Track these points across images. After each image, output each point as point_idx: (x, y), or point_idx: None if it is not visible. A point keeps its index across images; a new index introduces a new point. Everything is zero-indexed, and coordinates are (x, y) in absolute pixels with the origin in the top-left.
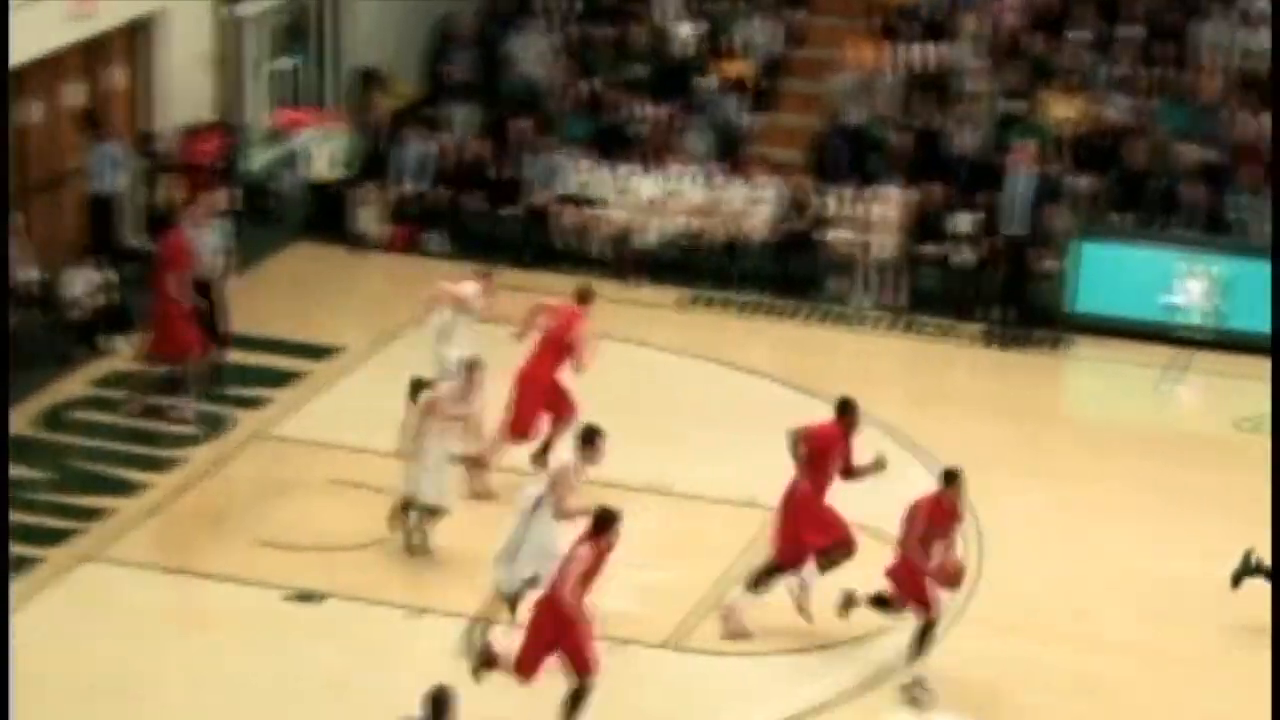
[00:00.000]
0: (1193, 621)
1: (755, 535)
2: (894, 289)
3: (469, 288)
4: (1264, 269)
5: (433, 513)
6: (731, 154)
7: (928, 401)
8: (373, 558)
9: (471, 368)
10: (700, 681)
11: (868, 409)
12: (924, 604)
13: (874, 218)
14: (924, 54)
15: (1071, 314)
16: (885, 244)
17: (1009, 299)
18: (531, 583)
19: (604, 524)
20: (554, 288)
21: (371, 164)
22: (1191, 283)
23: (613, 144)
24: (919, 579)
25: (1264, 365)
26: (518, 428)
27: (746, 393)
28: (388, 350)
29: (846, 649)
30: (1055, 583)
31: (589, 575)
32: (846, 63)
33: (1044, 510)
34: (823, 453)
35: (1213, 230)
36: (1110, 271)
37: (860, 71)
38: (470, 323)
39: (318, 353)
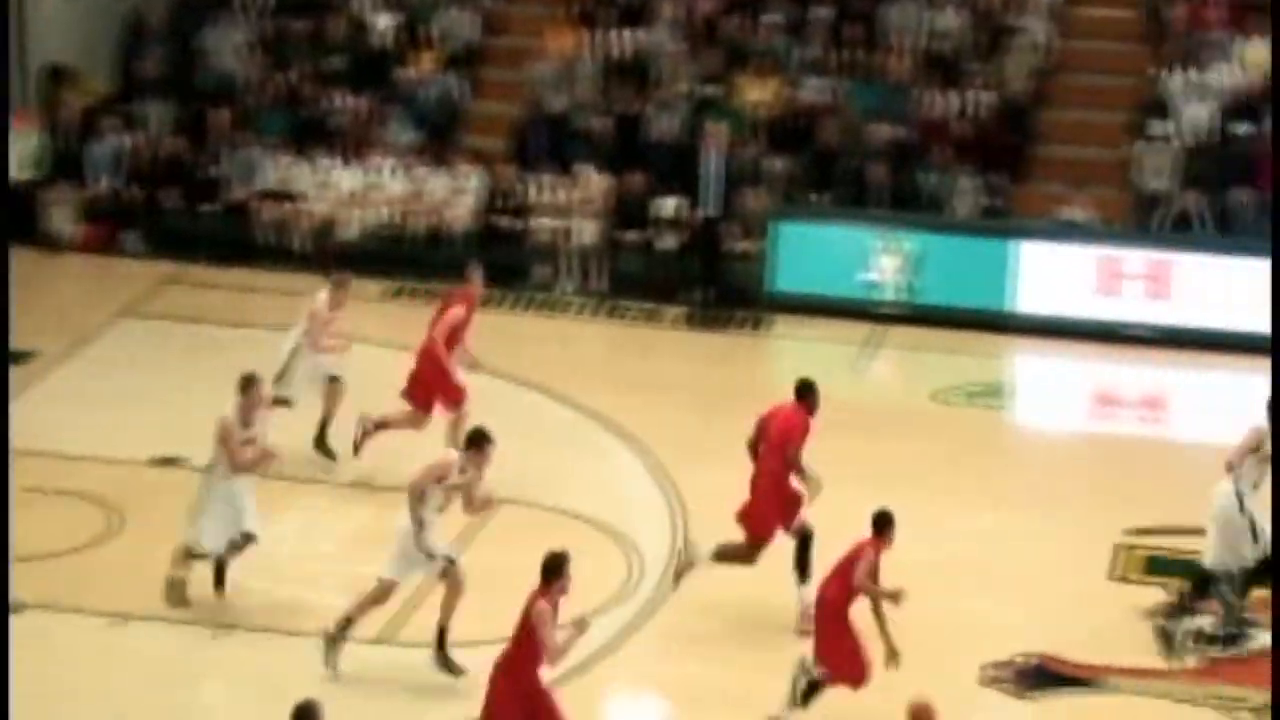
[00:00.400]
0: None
1: (461, 526)
2: (597, 275)
3: (320, 298)
4: (954, 244)
5: (194, 556)
6: (442, 139)
7: (632, 386)
8: (74, 565)
9: (249, 383)
10: (416, 675)
11: (572, 396)
12: (858, 671)
13: (576, 204)
14: (622, 40)
15: (771, 294)
16: (587, 230)
17: (709, 281)
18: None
19: (554, 570)
20: (255, 284)
21: (62, 163)
22: (885, 259)
23: (312, 137)
24: (849, 639)
25: (956, 338)
26: (453, 398)
27: None
28: (83, 353)
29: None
30: (760, 560)
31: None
32: (545, 51)
33: (747, 488)
34: (790, 438)
35: (903, 207)
36: (807, 250)
37: (559, 59)
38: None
39: (10, 358)
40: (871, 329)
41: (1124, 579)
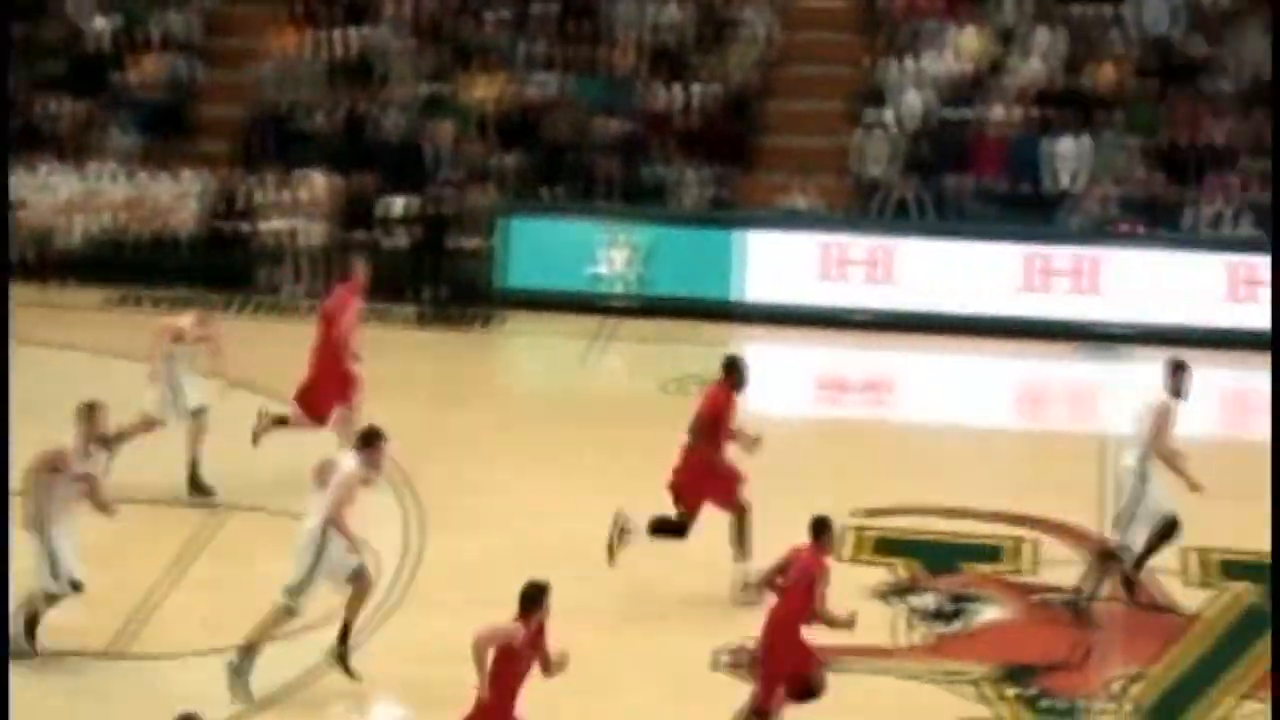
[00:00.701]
0: (629, 578)
1: (190, 535)
2: (325, 276)
3: (185, 319)
4: (681, 235)
5: (52, 598)
6: (165, 142)
7: (364, 385)
8: None
9: (92, 410)
10: (147, 687)
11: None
12: (770, 689)
13: (302, 206)
14: (346, 38)
15: (501, 290)
16: (314, 232)
17: (439, 279)
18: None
19: (532, 600)
20: None
21: None
22: (614, 252)
23: (29, 143)
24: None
25: (686, 328)
26: (315, 411)
27: None
28: None
29: (290, 642)
30: (495, 554)
31: (523, 666)
32: (268, 50)
33: (482, 485)
34: (716, 417)
35: (631, 200)
36: (537, 245)
37: (282, 59)
38: (190, 359)
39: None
40: (601, 322)
41: (853, 560)
